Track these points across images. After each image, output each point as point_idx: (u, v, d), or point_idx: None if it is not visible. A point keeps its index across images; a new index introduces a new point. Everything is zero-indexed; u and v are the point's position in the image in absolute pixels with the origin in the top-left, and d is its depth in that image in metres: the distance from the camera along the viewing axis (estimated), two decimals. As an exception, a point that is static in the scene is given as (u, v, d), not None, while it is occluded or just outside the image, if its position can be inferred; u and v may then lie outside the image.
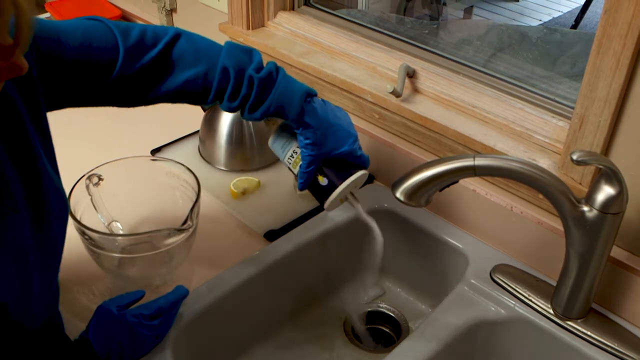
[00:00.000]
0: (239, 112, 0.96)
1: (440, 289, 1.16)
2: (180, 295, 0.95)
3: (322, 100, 0.99)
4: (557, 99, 1.07)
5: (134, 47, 0.89)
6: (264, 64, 0.94)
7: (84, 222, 0.98)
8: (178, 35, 0.93)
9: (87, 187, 1.04)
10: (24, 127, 0.75)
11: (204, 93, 0.93)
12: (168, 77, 0.92)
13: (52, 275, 0.86)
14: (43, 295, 0.82)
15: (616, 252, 0.96)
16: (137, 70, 0.89)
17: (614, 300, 0.99)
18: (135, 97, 0.93)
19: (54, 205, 0.80)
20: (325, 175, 0.98)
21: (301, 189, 1.00)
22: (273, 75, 0.93)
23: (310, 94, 0.96)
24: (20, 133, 0.75)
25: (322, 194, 0.99)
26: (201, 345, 1.03)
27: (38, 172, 0.77)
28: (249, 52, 0.94)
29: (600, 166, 0.82)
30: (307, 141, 0.96)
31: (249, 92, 0.92)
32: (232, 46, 0.94)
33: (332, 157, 0.98)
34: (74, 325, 0.98)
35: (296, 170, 1.00)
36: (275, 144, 1.03)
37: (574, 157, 0.80)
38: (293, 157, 1.01)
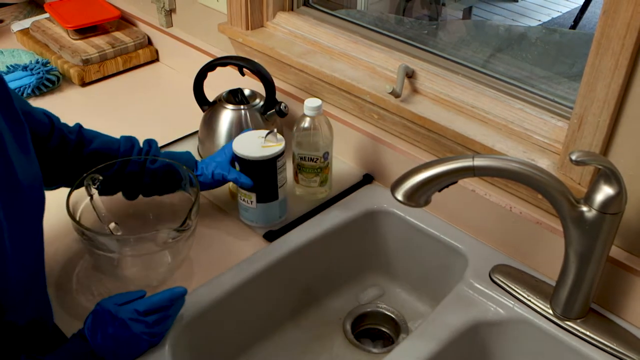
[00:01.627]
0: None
1: (440, 289, 1.16)
2: (176, 293, 0.94)
3: None
4: (556, 99, 1.07)
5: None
6: None
7: (83, 222, 0.98)
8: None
9: (87, 187, 1.04)
10: None
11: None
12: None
13: (28, 256, 0.86)
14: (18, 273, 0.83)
15: (615, 252, 0.96)
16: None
17: (613, 300, 0.99)
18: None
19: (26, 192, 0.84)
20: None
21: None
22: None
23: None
24: None
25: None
26: (200, 346, 1.03)
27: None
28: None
29: (599, 166, 0.83)
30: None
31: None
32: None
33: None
34: (72, 326, 0.98)
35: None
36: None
37: (573, 157, 0.80)
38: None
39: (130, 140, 1.13)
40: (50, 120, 1.04)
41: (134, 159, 1.09)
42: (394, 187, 0.89)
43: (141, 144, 1.14)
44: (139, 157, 1.10)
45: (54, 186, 1.08)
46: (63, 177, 1.07)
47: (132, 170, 1.08)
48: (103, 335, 0.87)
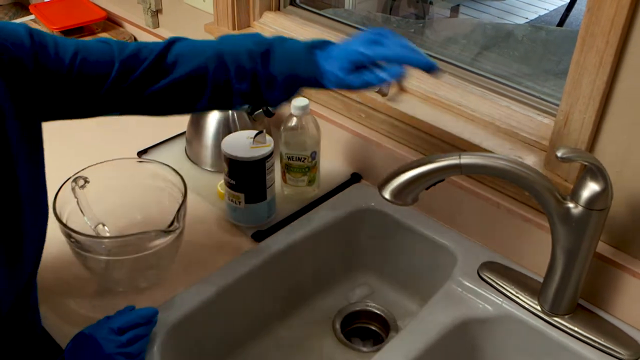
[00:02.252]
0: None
1: (429, 287, 1.16)
2: (150, 312, 0.93)
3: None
4: (542, 96, 1.08)
5: (128, 60, 0.89)
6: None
7: (70, 225, 0.97)
8: (172, 42, 0.94)
9: (73, 189, 1.03)
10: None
11: (201, 85, 0.93)
12: (162, 79, 0.92)
13: (20, 271, 0.85)
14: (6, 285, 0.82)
15: (602, 248, 0.97)
16: (131, 82, 0.90)
17: (601, 296, 0.99)
18: (130, 102, 0.93)
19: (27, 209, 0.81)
20: None
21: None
22: (272, 43, 0.93)
23: (315, 46, 0.94)
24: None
25: None
26: (190, 346, 1.03)
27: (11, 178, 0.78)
28: (245, 36, 0.95)
29: (585, 163, 0.83)
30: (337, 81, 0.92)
31: (253, 66, 0.92)
32: (227, 36, 0.96)
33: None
34: (61, 329, 0.98)
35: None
36: None
37: (559, 154, 0.80)
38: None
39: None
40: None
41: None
42: (382, 186, 0.89)
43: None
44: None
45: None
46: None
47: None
48: (78, 358, 0.86)
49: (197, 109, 0.99)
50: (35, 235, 0.87)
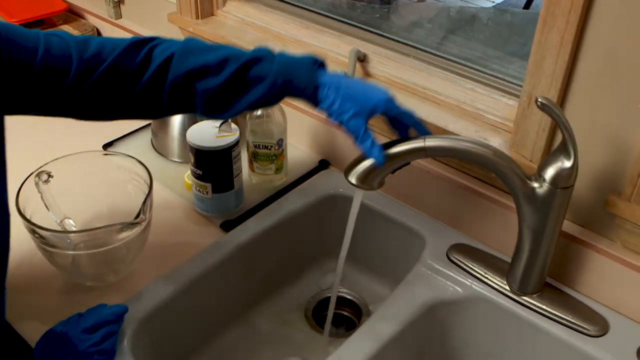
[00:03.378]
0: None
1: (399, 271, 1.17)
2: (121, 309, 0.93)
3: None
4: (507, 78, 1.08)
5: (90, 60, 0.86)
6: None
7: (35, 220, 0.96)
8: (138, 44, 0.89)
9: (37, 184, 1.02)
10: None
11: (160, 85, 0.88)
12: (128, 79, 0.88)
13: None
14: None
15: (568, 226, 0.98)
16: (93, 80, 0.86)
17: (568, 274, 1.00)
18: (93, 102, 0.89)
19: None
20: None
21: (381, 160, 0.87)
22: (264, 51, 0.88)
23: (319, 62, 0.87)
24: None
25: None
26: (161, 339, 1.02)
27: None
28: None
29: (559, 117, 0.82)
30: (333, 101, 0.85)
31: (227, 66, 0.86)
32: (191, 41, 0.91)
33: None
34: (29, 326, 0.96)
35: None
36: None
37: (539, 99, 0.80)
38: None
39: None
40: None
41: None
42: (347, 171, 0.89)
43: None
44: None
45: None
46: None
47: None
48: (50, 357, 0.85)
49: (161, 113, 0.94)
50: None
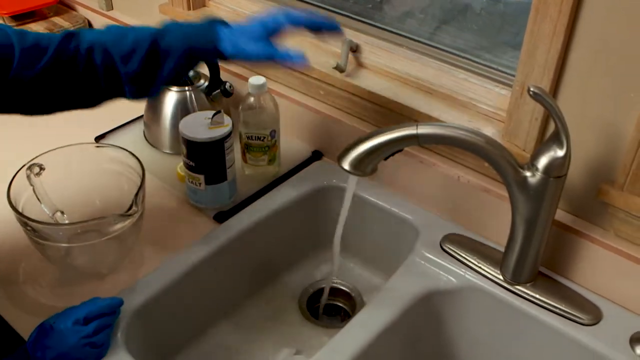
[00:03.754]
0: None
1: (393, 261, 1.17)
2: (115, 301, 0.93)
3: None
4: (500, 68, 1.08)
5: (30, 49, 0.90)
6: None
7: (26, 213, 0.95)
8: (70, 35, 0.94)
9: (28, 177, 1.01)
10: None
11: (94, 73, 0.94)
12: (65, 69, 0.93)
13: None
14: None
15: (561, 216, 0.98)
16: (37, 71, 0.90)
17: (561, 263, 1.01)
18: (35, 93, 0.93)
19: None
20: None
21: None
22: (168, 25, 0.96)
23: (217, 21, 0.96)
24: None
25: None
26: (154, 331, 1.02)
27: None
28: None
29: (551, 106, 0.82)
30: (233, 44, 0.93)
31: (141, 45, 0.93)
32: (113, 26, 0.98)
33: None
34: (23, 320, 0.96)
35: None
36: None
37: (532, 88, 0.80)
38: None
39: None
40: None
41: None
42: (340, 157, 0.89)
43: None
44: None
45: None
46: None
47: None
48: (42, 349, 0.85)
49: (102, 98, 0.99)
50: None
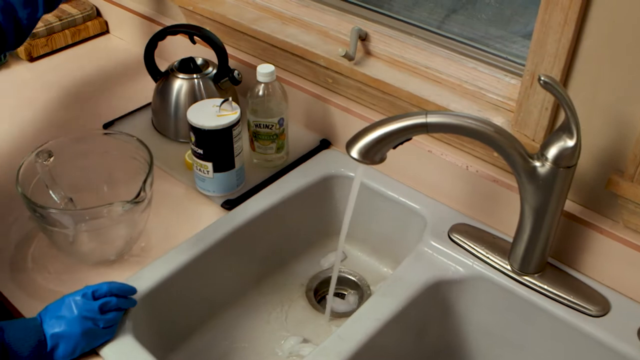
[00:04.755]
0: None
1: (401, 250, 1.17)
2: (127, 287, 0.94)
3: None
4: (509, 57, 1.07)
5: None
6: None
7: (34, 199, 0.95)
8: None
9: (37, 164, 1.01)
10: None
11: None
12: None
13: None
14: None
15: (570, 206, 0.97)
16: None
17: (570, 254, 1.00)
18: None
19: None
20: None
21: None
22: None
23: None
24: None
25: None
26: (162, 317, 1.03)
27: None
28: None
29: (562, 95, 0.81)
30: None
31: None
32: None
33: None
34: (30, 305, 0.96)
35: None
36: None
37: (542, 78, 0.80)
38: None
39: None
40: None
41: None
42: (349, 145, 0.88)
43: None
44: None
45: None
46: None
47: None
48: (51, 317, 0.86)
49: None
50: None
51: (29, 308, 0.96)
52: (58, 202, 1.04)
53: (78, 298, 0.88)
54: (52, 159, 1.03)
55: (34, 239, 1.08)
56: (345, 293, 1.22)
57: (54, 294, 0.97)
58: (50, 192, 1.04)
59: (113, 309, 0.90)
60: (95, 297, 0.89)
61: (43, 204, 0.95)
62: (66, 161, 1.06)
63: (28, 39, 1.56)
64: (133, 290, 0.95)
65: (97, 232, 0.99)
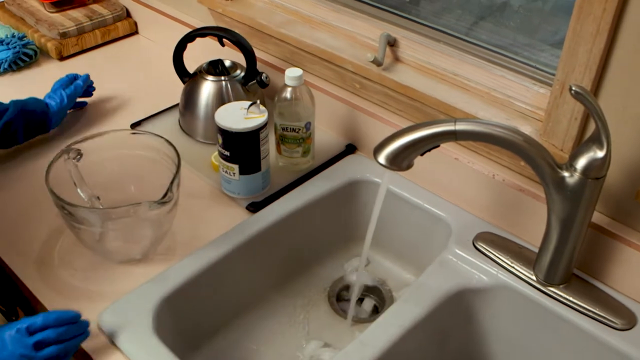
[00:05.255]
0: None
1: (424, 258, 1.16)
2: (67, 315, 0.86)
3: None
4: (538, 66, 1.07)
5: None
6: None
7: (63, 197, 0.96)
8: None
9: (66, 162, 1.03)
10: None
11: None
12: None
13: None
14: None
15: (598, 218, 0.96)
16: None
17: (596, 266, 0.99)
18: None
19: None
20: None
21: None
22: None
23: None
24: None
25: None
26: (185, 317, 1.03)
27: None
28: None
29: (593, 106, 0.81)
30: None
31: None
32: None
33: None
34: (56, 302, 0.98)
35: None
36: None
37: (574, 87, 0.79)
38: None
39: None
40: None
41: None
42: (376, 151, 0.88)
43: None
44: None
45: None
46: None
47: None
48: None
49: None
50: None
51: (53, 304, 0.98)
52: (86, 200, 1.06)
53: (12, 333, 0.81)
54: (81, 157, 1.04)
55: (60, 235, 1.09)
56: (368, 298, 1.22)
57: (78, 291, 0.98)
58: (78, 190, 1.05)
59: (52, 342, 0.83)
60: (30, 332, 0.82)
61: (71, 201, 0.96)
62: (94, 160, 1.07)
63: (59, 37, 1.59)
64: (76, 317, 0.87)
65: (123, 231, 1.00)
